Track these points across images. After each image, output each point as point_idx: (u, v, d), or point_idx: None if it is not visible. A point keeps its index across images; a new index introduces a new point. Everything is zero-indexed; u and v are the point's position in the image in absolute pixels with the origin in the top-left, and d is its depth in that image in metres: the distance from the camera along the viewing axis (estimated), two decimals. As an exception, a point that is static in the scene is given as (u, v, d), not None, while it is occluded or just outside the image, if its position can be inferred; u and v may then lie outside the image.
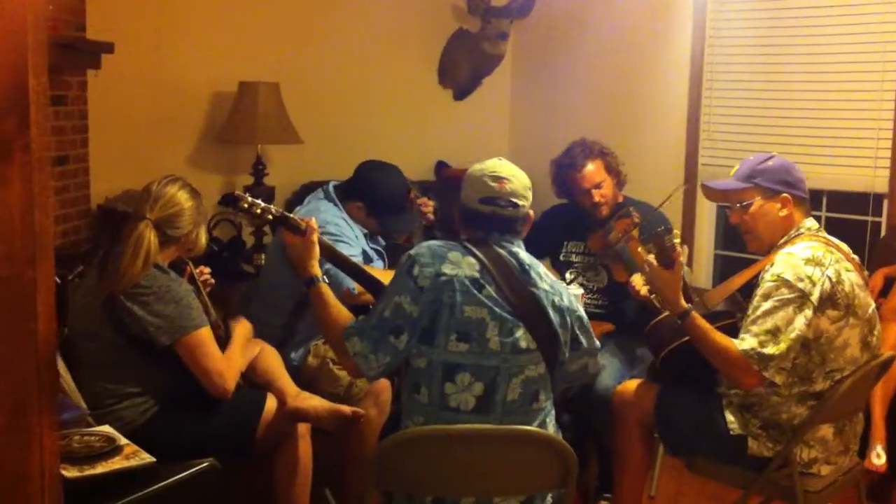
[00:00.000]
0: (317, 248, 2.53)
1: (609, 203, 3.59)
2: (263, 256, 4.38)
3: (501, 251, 2.31)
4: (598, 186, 3.56)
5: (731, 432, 2.68)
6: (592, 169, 3.57)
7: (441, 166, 5.32)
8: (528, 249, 2.42)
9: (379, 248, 3.49)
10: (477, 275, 2.24)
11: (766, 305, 2.53)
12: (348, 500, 3.17)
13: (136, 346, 2.67)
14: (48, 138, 1.15)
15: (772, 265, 2.60)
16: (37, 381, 1.19)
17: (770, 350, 2.48)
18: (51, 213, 1.14)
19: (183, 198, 2.78)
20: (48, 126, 1.16)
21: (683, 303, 2.64)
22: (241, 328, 2.95)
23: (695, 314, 2.61)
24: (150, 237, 2.69)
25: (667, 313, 2.81)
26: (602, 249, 3.49)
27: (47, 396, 1.21)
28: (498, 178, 2.34)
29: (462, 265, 2.25)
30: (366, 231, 3.43)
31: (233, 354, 2.81)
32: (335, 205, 3.40)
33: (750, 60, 4.69)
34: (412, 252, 2.31)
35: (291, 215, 2.58)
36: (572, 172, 3.59)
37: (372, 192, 3.38)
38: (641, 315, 3.14)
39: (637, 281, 3.19)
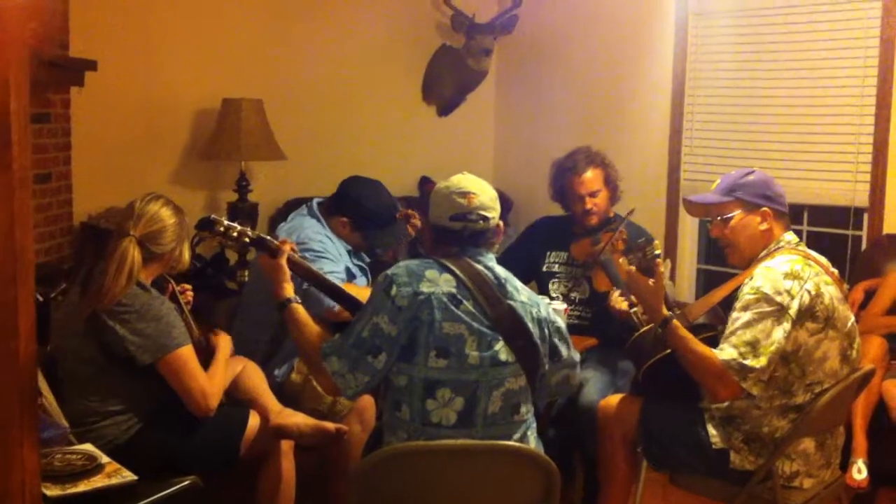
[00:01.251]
0: (286, 271, 2.54)
1: (600, 214, 3.61)
2: (247, 273, 4.37)
3: (477, 266, 2.32)
4: (593, 195, 3.59)
5: (714, 446, 2.69)
6: (591, 176, 3.60)
7: (425, 182, 5.33)
8: (512, 265, 2.42)
9: (363, 265, 3.49)
10: (454, 290, 2.25)
11: (746, 317, 2.55)
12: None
13: (119, 363, 2.66)
14: (29, 157, 1.15)
15: (751, 278, 2.63)
16: (17, 400, 1.19)
17: (751, 362, 2.50)
18: (31, 232, 1.14)
19: (166, 214, 2.78)
20: (29, 145, 1.15)
21: (665, 310, 2.65)
22: (223, 343, 2.94)
23: (676, 322, 2.63)
24: (134, 254, 2.69)
25: (649, 326, 2.83)
26: (586, 258, 3.51)
27: (28, 415, 1.21)
28: (465, 194, 2.35)
29: (439, 282, 2.26)
30: (349, 248, 3.43)
31: (216, 372, 2.80)
32: (319, 221, 3.40)
33: (731, 76, 4.72)
34: (389, 272, 2.31)
35: (268, 238, 2.59)
36: (571, 176, 3.61)
37: (357, 206, 3.39)
38: (624, 328, 3.16)
39: (616, 298, 3.22)
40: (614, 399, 3.00)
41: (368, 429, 3.03)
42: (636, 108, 5.05)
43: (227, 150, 4.48)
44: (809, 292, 2.56)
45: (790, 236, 2.76)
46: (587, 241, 3.52)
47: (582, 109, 5.29)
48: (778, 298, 2.53)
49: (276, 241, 2.59)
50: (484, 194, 2.37)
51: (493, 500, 2.24)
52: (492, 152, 5.76)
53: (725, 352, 2.54)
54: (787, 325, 2.52)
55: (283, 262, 2.54)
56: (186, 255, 2.89)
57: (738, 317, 2.57)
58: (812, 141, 4.43)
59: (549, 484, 2.18)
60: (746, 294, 2.59)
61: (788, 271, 2.57)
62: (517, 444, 2.26)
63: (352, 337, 2.27)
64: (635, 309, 3.07)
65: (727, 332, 2.58)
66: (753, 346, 2.51)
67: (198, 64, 4.61)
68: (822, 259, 2.74)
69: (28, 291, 1.18)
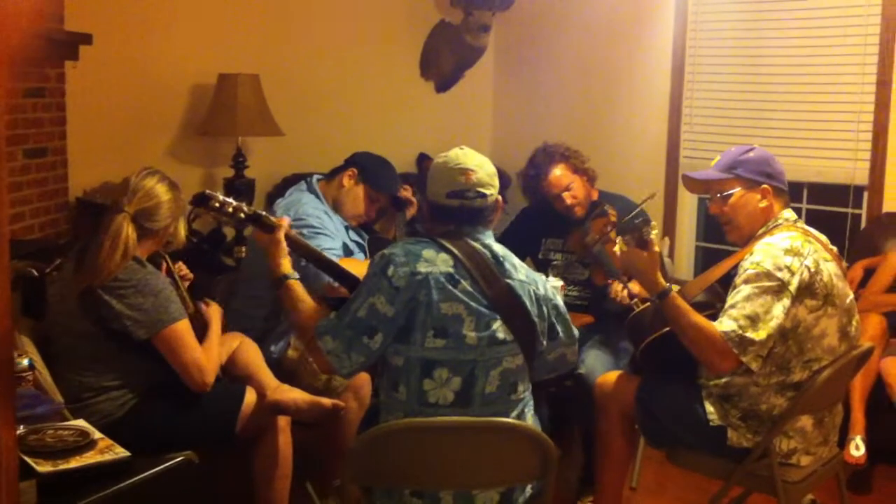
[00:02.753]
0: (284, 246, 2.50)
1: (583, 203, 3.59)
2: (244, 249, 4.36)
3: (475, 244, 2.29)
4: (567, 189, 3.57)
5: (711, 423, 2.68)
6: (558, 174, 3.59)
7: (423, 158, 5.30)
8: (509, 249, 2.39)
9: (360, 241, 3.47)
10: (452, 270, 2.23)
11: (746, 291, 2.54)
12: (329, 494, 3.16)
13: (114, 339, 2.65)
14: (4, 129, 1.11)
15: (751, 254, 2.61)
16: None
17: (750, 334, 2.48)
18: (7, 205, 1.11)
19: (161, 190, 2.76)
20: (5, 115, 1.11)
21: (662, 281, 2.64)
22: (215, 315, 2.92)
23: (674, 294, 2.60)
24: (129, 230, 2.67)
25: (647, 304, 2.81)
26: (581, 250, 3.49)
27: (3, 391, 1.18)
28: (463, 171, 2.31)
29: (437, 262, 2.24)
30: (347, 223, 3.41)
31: (210, 346, 2.79)
32: (317, 197, 3.38)
33: (732, 53, 4.69)
34: (386, 252, 2.28)
35: (264, 214, 2.54)
36: (539, 180, 3.61)
37: (364, 159, 3.45)
38: (623, 307, 3.14)
39: (616, 289, 3.20)
40: (612, 376, 2.99)
41: (364, 405, 3.02)
42: (635, 85, 5.02)
43: (224, 125, 4.45)
44: (809, 269, 2.54)
45: (789, 213, 2.74)
46: (579, 234, 3.50)
47: (581, 85, 5.26)
48: (778, 274, 2.52)
49: (272, 218, 2.55)
50: (482, 170, 2.34)
51: (491, 476, 2.23)
52: (490, 129, 5.73)
53: (725, 324, 2.52)
54: (786, 301, 2.51)
55: (281, 236, 2.50)
56: (182, 231, 2.87)
57: (739, 291, 2.55)
58: (812, 119, 4.41)
59: (546, 460, 2.17)
60: (747, 269, 2.57)
61: (788, 247, 2.56)
62: (514, 420, 2.25)
63: (347, 316, 2.25)
64: (636, 300, 3.07)
65: (727, 305, 2.57)
66: (753, 320, 2.50)
67: (194, 38, 4.57)
68: (821, 236, 2.72)
69: (2, 266, 1.15)
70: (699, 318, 2.57)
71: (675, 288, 2.72)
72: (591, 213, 3.50)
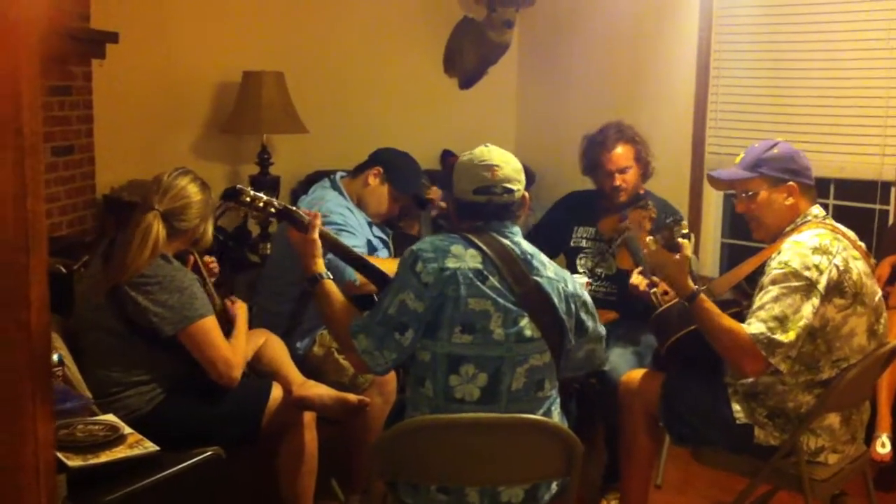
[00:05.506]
0: (319, 246, 2.49)
1: (629, 190, 3.57)
2: (269, 246, 4.38)
3: (504, 241, 2.29)
4: (622, 171, 3.54)
5: (738, 421, 2.67)
6: (621, 152, 3.55)
7: (447, 155, 5.30)
8: (540, 241, 2.39)
9: (384, 237, 3.48)
10: (480, 266, 2.23)
11: (774, 292, 2.51)
12: (354, 490, 3.17)
13: (141, 334, 2.66)
14: (40, 122, 1.12)
15: (779, 253, 2.58)
16: (29, 372, 1.17)
17: (779, 337, 2.46)
18: (43, 200, 1.12)
19: (192, 191, 2.77)
20: (40, 109, 1.13)
21: (691, 284, 2.61)
22: (241, 312, 2.94)
23: (703, 296, 2.58)
24: (158, 228, 2.68)
25: (673, 302, 2.79)
26: (612, 234, 3.47)
27: (41, 387, 1.19)
28: (489, 167, 2.31)
29: (465, 258, 2.24)
30: (370, 220, 3.42)
31: (237, 342, 2.81)
32: (340, 194, 3.39)
33: (757, 47, 4.65)
34: (414, 248, 2.29)
35: (294, 209, 2.55)
36: (601, 151, 3.56)
37: (389, 158, 3.45)
38: (650, 304, 3.13)
39: (636, 277, 3.18)
40: (636, 374, 2.97)
41: (390, 401, 3.03)
42: (660, 80, 4.99)
43: (249, 123, 4.48)
44: (838, 267, 2.51)
45: (817, 210, 2.71)
46: (615, 218, 3.48)
47: (605, 81, 5.24)
48: (806, 273, 2.49)
49: (301, 212, 2.55)
50: (508, 166, 2.34)
51: (516, 473, 2.23)
52: (514, 125, 5.71)
53: (753, 326, 2.50)
54: (815, 301, 2.48)
55: (316, 236, 2.49)
56: (210, 232, 2.88)
57: (767, 292, 2.53)
58: (839, 114, 4.36)
59: (571, 457, 2.17)
60: (774, 269, 2.55)
61: (817, 245, 2.53)
62: (540, 417, 2.25)
63: (378, 314, 2.26)
64: (654, 290, 3.05)
65: (755, 306, 2.54)
66: (782, 321, 2.48)
67: (219, 37, 4.60)
68: (850, 233, 2.70)
69: (40, 260, 1.16)
70: (728, 321, 2.54)
71: (703, 287, 2.71)
72: (633, 203, 3.49)
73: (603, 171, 3.57)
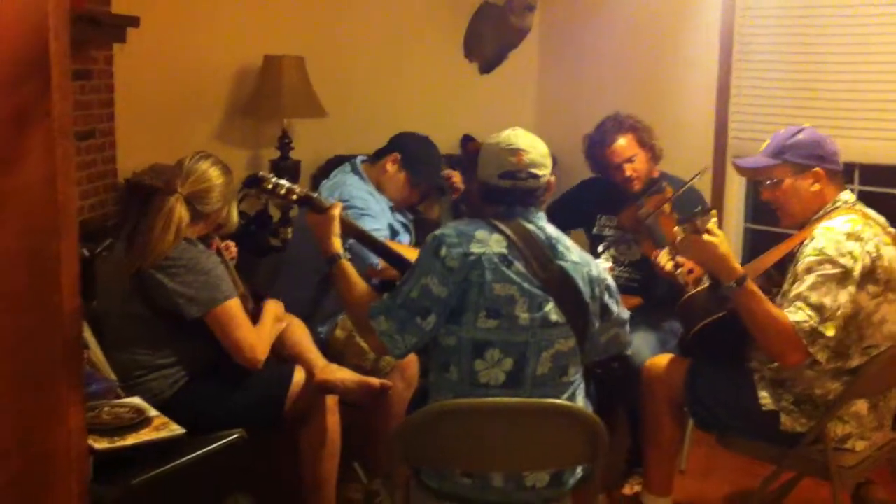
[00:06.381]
0: (337, 224, 2.49)
1: (642, 178, 3.53)
2: (290, 230, 4.38)
3: (528, 225, 2.28)
4: (629, 161, 3.51)
5: (764, 408, 2.65)
6: (623, 143, 3.52)
7: (467, 140, 5.27)
8: (561, 220, 2.37)
9: (405, 222, 3.47)
10: (505, 251, 2.22)
11: (810, 280, 2.48)
12: (377, 474, 3.17)
13: (165, 318, 2.67)
14: (71, 105, 1.11)
15: (812, 239, 2.55)
16: (62, 356, 1.17)
17: (821, 327, 2.43)
18: (74, 183, 1.11)
19: (214, 174, 2.77)
20: (71, 92, 1.12)
21: (738, 267, 2.54)
22: (273, 306, 2.94)
23: (750, 281, 2.51)
24: (181, 211, 2.68)
25: (702, 287, 2.76)
26: (632, 225, 3.44)
27: (73, 371, 1.19)
28: (515, 151, 2.30)
29: (489, 243, 2.23)
30: (391, 204, 3.41)
31: (264, 326, 2.82)
32: (361, 178, 3.38)
33: (781, 31, 4.59)
34: (438, 233, 2.28)
35: (316, 195, 2.55)
36: (602, 148, 3.54)
37: (408, 144, 3.43)
38: (673, 289, 3.10)
39: (662, 257, 3.14)
40: (661, 360, 2.96)
41: (412, 386, 3.03)
42: (683, 65, 4.94)
43: (269, 107, 4.47)
44: (870, 254, 2.48)
45: (847, 195, 2.67)
46: (633, 208, 3.45)
47: (626, 65, 5.19)
48: (842, 261, 2.46)
49: (322, 198, 2.55)
50: (534, 150, 2.32)
51: (541, 458, 2.23)
52: (534, 110, 5.68)
53: (795, 314, 2.46)
54: (852, 289, 2.46)
55: (336, 213, 2.50)
56: (235, 215, 2.90)
57: (803, 280, 2.49)
58: (865, 98, 4.30)
59: (596, 443, 2.16)
60: (808, 255, 2.51)
61: (850, 231, 2.50)
62: (565, 402, 2.24)
63: (400, 297, 2.25)
64: (680, 270, 3.01)
65: (792, 294, 2.51)
66: (820, 310, 2.45)
67: (240, 21, 4.58)
68: (881, 218, 2.66)
69: (71, 244, 1.15)
70: (773, 308, 2.50)
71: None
72: (648, 189, 3.46)
73: (610, 165, 3.55)
